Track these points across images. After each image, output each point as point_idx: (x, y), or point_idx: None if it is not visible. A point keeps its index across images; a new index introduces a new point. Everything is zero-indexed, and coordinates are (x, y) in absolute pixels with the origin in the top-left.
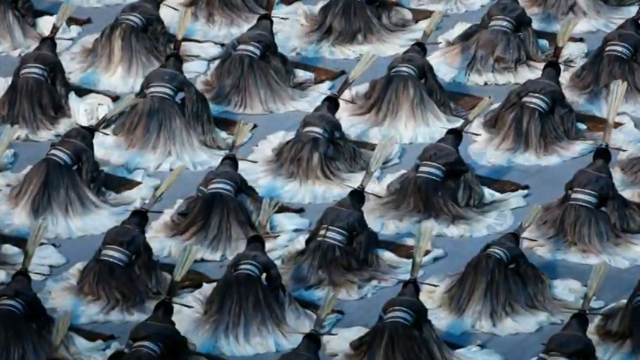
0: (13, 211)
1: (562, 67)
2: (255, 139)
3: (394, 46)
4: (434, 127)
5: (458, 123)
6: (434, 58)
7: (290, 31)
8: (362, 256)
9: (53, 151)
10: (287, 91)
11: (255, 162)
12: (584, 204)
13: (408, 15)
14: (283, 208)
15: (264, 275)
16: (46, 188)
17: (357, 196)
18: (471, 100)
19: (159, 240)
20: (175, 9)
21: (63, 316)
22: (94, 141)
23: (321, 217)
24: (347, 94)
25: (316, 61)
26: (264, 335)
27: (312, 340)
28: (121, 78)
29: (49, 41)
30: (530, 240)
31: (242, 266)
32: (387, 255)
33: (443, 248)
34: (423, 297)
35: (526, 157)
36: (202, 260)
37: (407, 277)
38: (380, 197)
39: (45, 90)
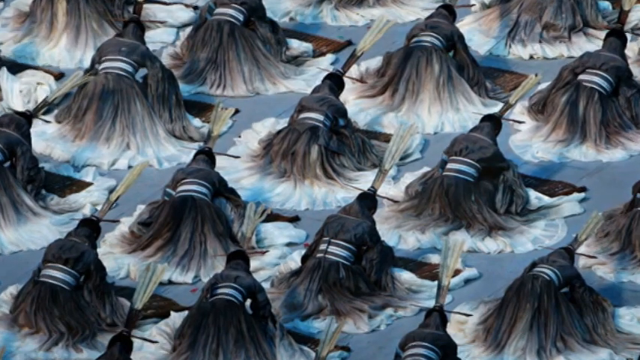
0: None
1: (629, 36)
2: (238, 127)
3: (414, 9)
4: (465, 112)
5: (496, 108)
6: (465, 25)
7: None
8: (373, 277)
9: None
10: (278, 67)
11: (238, 157)
12: None
13: None
14: (273, 216)
15: (248, 302)
16: None
17: (368, 200)
18: (513, 77)
19: (114, 257)
20: None
21: None
22: (32, 130)
23: (321, 227)
24: (354, 71)
25: (315, 28)
26: None
27: None
28: (66, 50)
29: None
30: (589, 257)
31: (221, 290)
32: (406, 276)
33: (477, 267)
34: (451, 329)
35: (583, 150)
36: (170, 282)
37: (431, 304)
38: (397, 202)
39: None
